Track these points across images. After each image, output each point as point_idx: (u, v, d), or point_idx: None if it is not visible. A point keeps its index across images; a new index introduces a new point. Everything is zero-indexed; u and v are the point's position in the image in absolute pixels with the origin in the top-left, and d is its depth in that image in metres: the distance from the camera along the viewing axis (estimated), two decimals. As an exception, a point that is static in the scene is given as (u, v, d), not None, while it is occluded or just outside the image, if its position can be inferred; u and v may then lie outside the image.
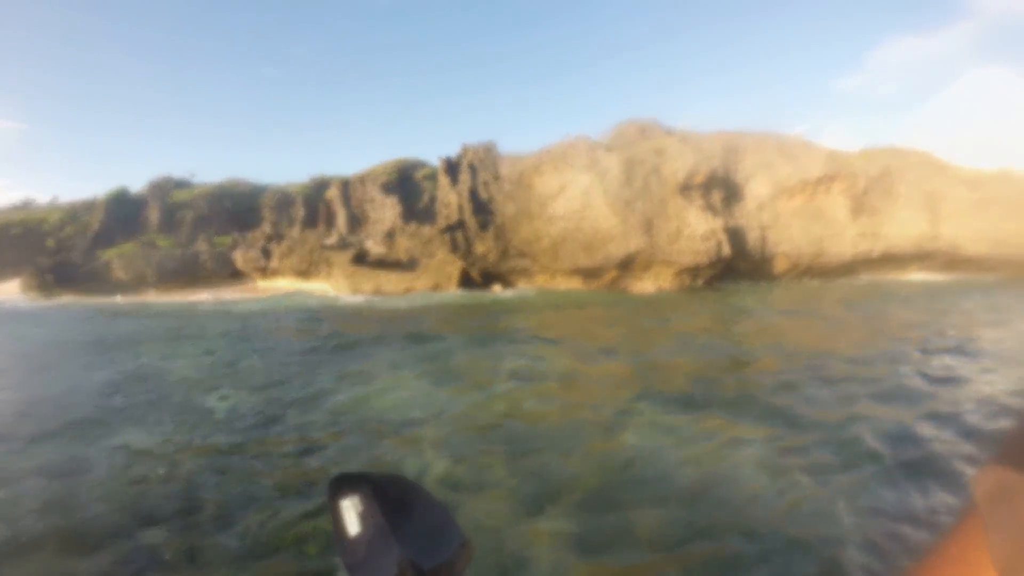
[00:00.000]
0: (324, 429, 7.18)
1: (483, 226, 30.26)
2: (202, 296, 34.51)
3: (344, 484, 0.69)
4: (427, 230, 33.21)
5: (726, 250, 26.97)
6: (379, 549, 0.63)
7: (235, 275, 37.93)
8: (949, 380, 8.88)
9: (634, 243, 27.13)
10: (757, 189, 31.16)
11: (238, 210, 45.86)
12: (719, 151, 31.32)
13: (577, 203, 28.64)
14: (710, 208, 29.18)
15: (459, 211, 31.10)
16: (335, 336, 14.64)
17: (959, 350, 11.02)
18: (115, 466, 6.07)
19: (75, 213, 48.26)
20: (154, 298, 35.25)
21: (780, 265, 31.04)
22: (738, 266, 29.74)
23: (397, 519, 0.65)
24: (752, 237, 30.29)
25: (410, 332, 14.51)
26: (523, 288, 29.86)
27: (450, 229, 30.77)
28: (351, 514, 0.67)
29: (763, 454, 5.88)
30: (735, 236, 28.89)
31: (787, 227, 30.57)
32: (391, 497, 0.68)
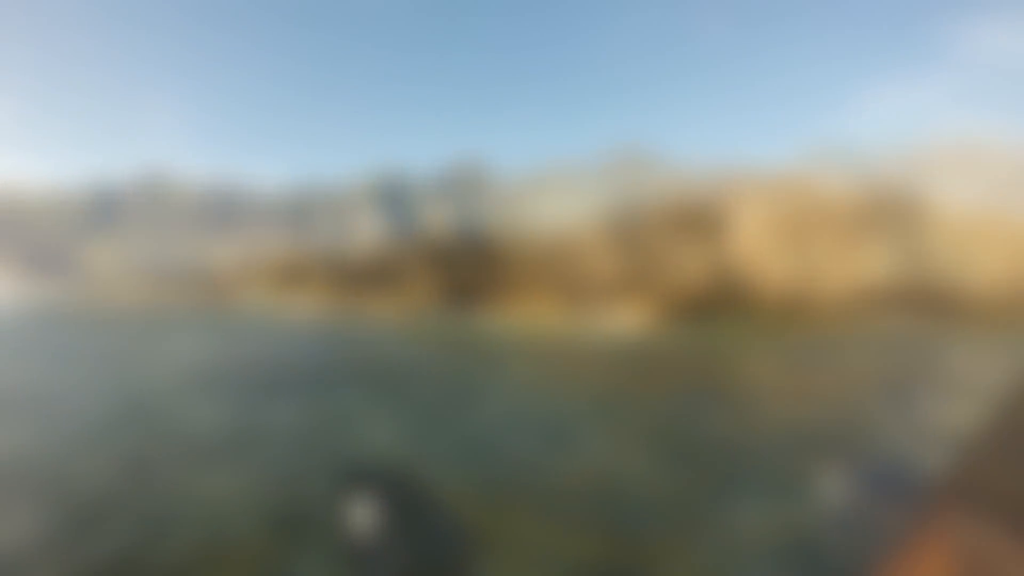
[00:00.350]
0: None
1: (469, 247, 29.64)
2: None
3: (357, 479, 0.64)
4: (407, 248, 32.54)
5: (716, 282, 26.57)
6: (386, 546, 0.64)
7: None
8: None
9: (619, 270, 26.64)
10: (744, 222, 30.92)
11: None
12: (705, 182, 31.02)
13: (563, 225, 28.17)
14: (698, 239, 28.82)
15: (444, 230, 30.43)
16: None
17: None
18: None
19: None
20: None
21: (770, 296, 30.79)
22: (732, 299, 29.39)
23: (405, 518, 0.63)
24: (743, 271, 29.96)
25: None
26: (499, 314, 29.25)
27: (434, 249, 30.13)
28: (361, 509, 0.71)
29: None
30: (725, 269, 28.52)
31: (774, 259, 30.31)
32: (399, 497, 0.64)
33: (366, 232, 34.68)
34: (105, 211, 43.00)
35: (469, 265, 29.80)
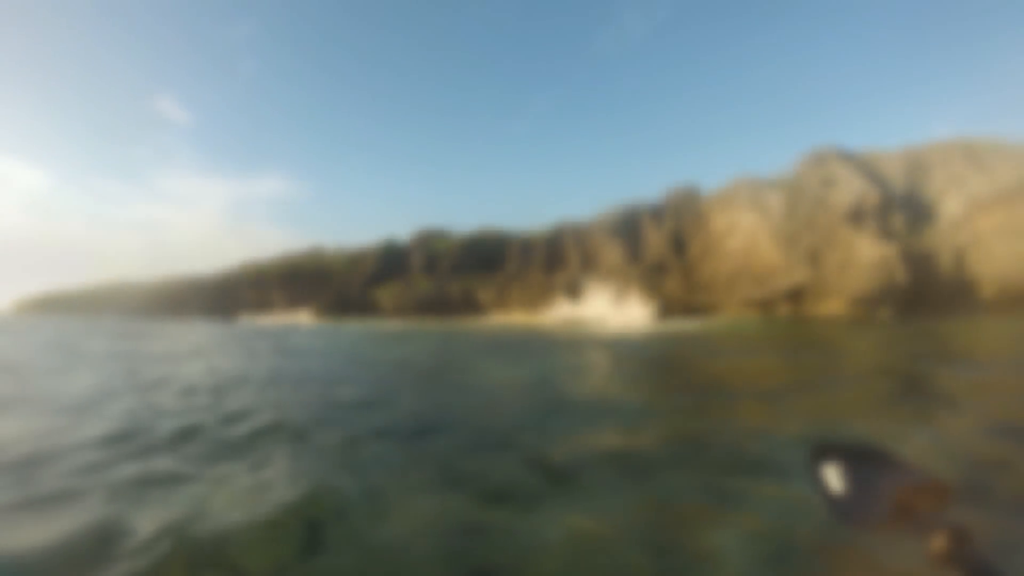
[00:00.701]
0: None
1: (677, 265, 35.31)
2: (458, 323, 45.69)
3: (823, 452, 0.85)
4: (634, 270, 37.87)
5: (900, 277, 27.55)
6: (865, 499, 0.75)
7: (477, 309, 48.40)
8: None
9: (799, 274, 29.45)
10: (948, 207, 30.36)
11: (487, 255, 55.20)
12: (901, 170, 31.44)
13: (744, 240, 31.91)
14: (887, 234, 29.57)
15: (661, 252, 36.64)
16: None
17: None
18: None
19: (354, 258, 65.37)
20: (414, 324, 47.53)
21: (987, 292, 28.25)
22: (931, 295, 28.80)
23: (876, 472, 0.78)
24: (945, 261, 29.02)
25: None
26: (704, 321, 33.30)
27: (651, 268, 36.37)
28: (833, 476, 0.81)
29: None
30: (921, 262, 28.70)
31: (988, 247, 28.80)
32: (866, 457, 0.81)
33: (611, 258, 40.81)
34: (391, 262, 58.28)
35: (674, 282, 35.26)
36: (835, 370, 10.74)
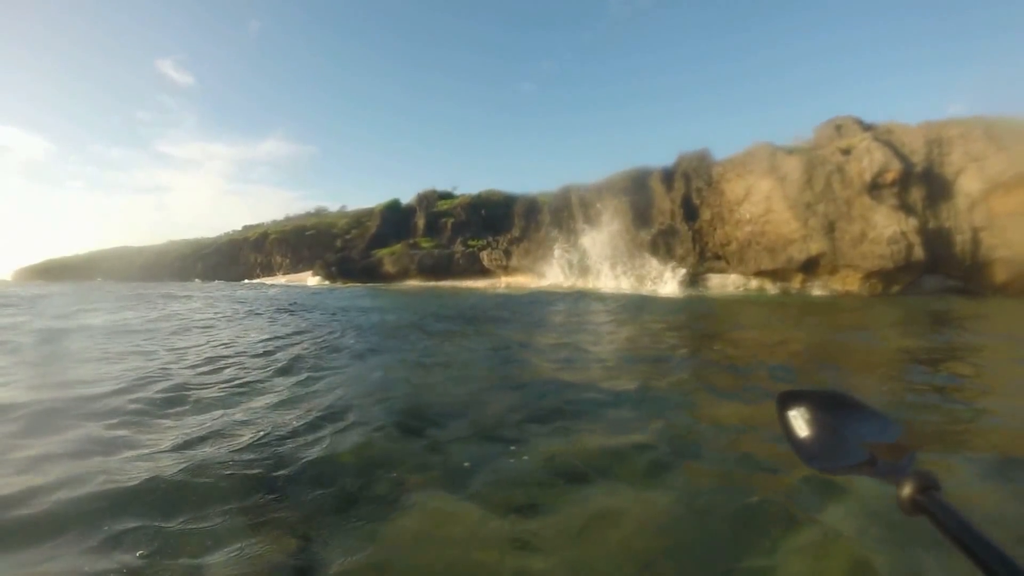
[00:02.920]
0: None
1: (687, 230, 34.68)
2: (447, 283, 45.44)
3: (790, 398, 0.88)
4: (643, 234, 37.09)
5: (918, 254, 27.19)
6: (831, 443, 0.79)
7: (482, 271, 47.79)
8: None
9: (815, 246, 29.00)
10: (967, 185, 29.79)
11: (492, 216, 54.26)
12: (920, 145, 30.74)
13: (760, 207, 31.33)
14: (906, 208, 29.04)
15: (671, 216, 35.95)
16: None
17: None
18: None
19: (358, 219, 64.58)
20: (413, 284, 47.18)
21: (999, 275, 27.87)
22: (945, 273, 28.64)
23: (842, 419, 0.81)
24: (961, 240, 28.61)
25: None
26: (712, 289, 32.99)
27: (661, 233, 35.77)
28: (799, 421, 0.84)
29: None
30: (938, 239, 28.29)
31: (1004, 229, 28.28)
32: (832, 404, 0.84)
33: (618, 221, 39.61)
34: (395, 224, 57.51)
35: (684, 248, 34.79)
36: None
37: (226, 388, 6.31)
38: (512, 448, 4.15)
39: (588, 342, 10.40)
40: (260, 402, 5.66)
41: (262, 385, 6.52)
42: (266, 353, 9.02)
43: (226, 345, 10.17)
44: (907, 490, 0.63)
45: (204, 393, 6.00)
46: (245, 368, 7.63)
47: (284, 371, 7.42)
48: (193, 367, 7.76)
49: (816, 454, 0.80)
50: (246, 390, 6.22)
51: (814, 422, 0.84)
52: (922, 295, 27.54)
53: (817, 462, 0.79)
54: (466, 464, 3.82)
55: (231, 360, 8.28)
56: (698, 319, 16.30)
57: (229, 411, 5.32)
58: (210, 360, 8.25)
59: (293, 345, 10.01)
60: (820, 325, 14.87)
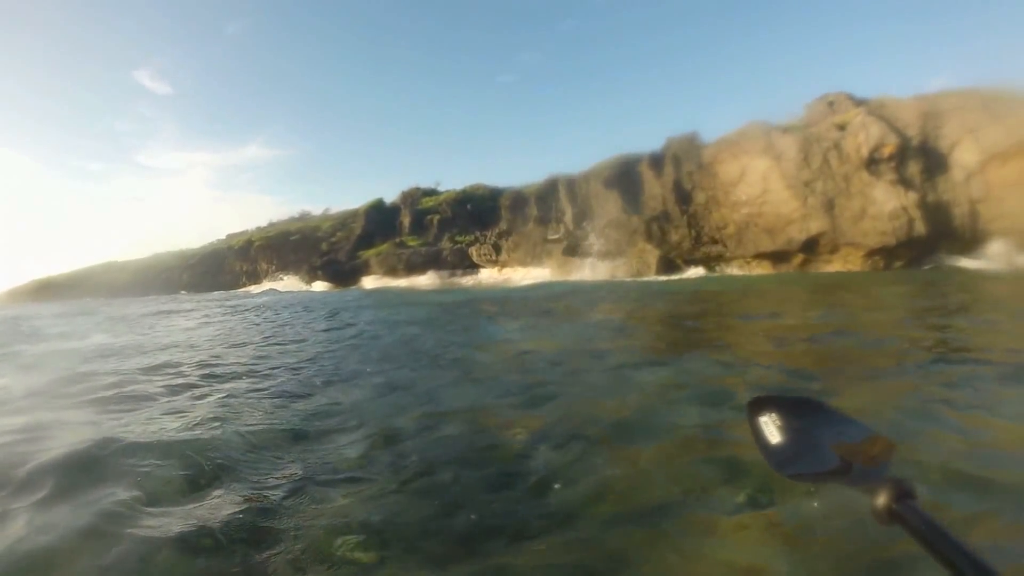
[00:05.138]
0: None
1: (681, 215, 33.90)
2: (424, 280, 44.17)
3: (760, 404, 0.86)
4: (635, 221, 36.48)
5: (920, 228, 26.66)
6: (803, 449, 0.76)
7: (471, 267, 46.73)
8: None
9: (815, 225, 28.37)
10: (963, 157, 29.31)
11: (478, 211, 52.72)
12: (915, 118, 30.21)
13: (757, 188, 30.63)
14: (905, 183, 28.54)
15: (663, 202, 35.13)
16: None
17: None
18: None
19: (343, 221, 63.08)
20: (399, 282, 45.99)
21: (998, 246, 27.06)
22: (946, 247, 28.18)
23: (814, 424, 0.80)
24: (959, 213, 28.18)
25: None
26: (711, 274, 32.34)
27: (654, 219, 34.94)
28: (770, 428, 0.82)
29: None
30: (937, 212, 27.81)
31: (1000, 201, 27.88)
32: (804, 411, 0.83)
33: (608, 210, 38.57)
34: (380, 224, 56.37)
35: (679, 233, 34.04)
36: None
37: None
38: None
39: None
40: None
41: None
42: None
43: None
44: (882, 499, 0.61)
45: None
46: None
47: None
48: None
49: (788, 460, 0.76)
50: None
51: (786, 428, 0.81)
52: (924, 269, 27.04)
53: (789, 468, 0.75)
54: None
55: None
56: (734, 300, 15.53)
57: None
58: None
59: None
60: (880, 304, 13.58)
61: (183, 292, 72.53)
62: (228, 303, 27.74)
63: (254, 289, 63.72)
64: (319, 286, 51.05)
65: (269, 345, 10.53)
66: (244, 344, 10.84)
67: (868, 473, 0.68)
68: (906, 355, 6.83)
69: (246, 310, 21.51)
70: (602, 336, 9.87)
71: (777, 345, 8.03)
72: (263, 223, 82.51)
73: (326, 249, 60.77)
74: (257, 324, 15.23)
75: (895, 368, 6.18)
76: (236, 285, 71.37)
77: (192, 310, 23.89)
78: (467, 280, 43.74)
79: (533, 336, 10.48)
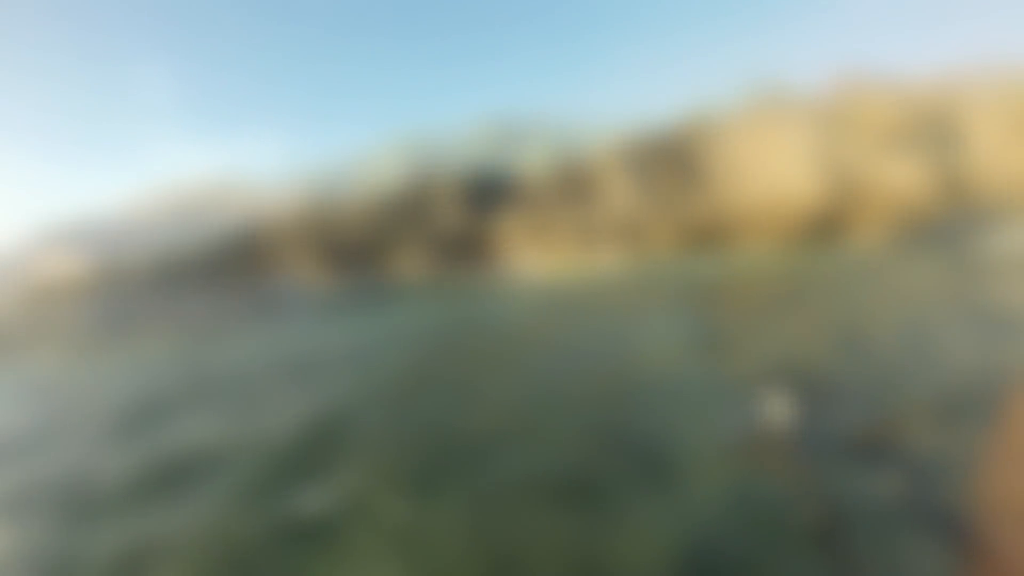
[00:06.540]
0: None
1: (694, 193, 34.08)
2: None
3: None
4: (648, 201, 36.60)
5: (937, 201, 26.89)
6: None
7: (490, 254, 46.71)
8: None
9: (832, 201, 28.58)
10: (979, 130, 29.38)
11: (489, 193, 52.21)
12: (930, 92, 30.26)
13: (772, 164, 30.78)
14: (922, 156, 28.68)
15: (672, 180, 35.30)
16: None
17: None
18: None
19: (355, 210, 63.18)
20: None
21: (1013, 219, 28.05)
22: (962, 216, 28.48)
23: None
24: (974, 188, 28.61)
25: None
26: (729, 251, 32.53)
27: (667, 198, 35.18)
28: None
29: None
30: (952, 188, 28.00)
31: (1016, 175, 28.11)
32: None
33: (622, 192, 38.42)
34: (394, 212, 56.50)
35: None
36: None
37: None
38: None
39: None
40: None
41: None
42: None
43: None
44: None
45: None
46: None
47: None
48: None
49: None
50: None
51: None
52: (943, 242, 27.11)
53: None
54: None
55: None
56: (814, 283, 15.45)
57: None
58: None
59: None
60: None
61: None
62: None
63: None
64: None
65: None
66: None
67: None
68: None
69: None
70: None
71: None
72: (271, 214, 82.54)
73: (344, 240, 61.16)
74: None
75: None
76: (252, 280, 71.40)
77: None
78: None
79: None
